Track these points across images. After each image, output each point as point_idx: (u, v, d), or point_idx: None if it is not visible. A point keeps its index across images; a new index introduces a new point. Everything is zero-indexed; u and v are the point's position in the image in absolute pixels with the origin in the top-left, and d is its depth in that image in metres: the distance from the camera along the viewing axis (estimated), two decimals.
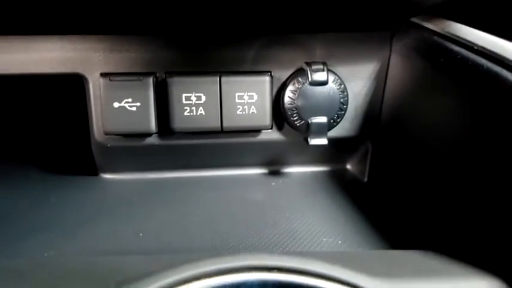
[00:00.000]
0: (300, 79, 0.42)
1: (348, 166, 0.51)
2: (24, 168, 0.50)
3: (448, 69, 0.34)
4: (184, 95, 0.41)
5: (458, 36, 0.33)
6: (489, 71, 0.29)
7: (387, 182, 0.45)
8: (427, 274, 0.27)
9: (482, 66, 0.30)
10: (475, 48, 0.31)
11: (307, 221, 0.40)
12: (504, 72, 0.28)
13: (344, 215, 0.41)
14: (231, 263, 0.25)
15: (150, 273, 0.24)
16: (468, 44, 0.32)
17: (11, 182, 0.46)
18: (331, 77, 0.42)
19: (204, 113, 0.42)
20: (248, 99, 0.42)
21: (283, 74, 0.43)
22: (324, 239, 0.37)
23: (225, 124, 0.42)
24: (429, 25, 0.38)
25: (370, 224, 0.39)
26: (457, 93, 0.32)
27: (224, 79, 0.41)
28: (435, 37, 0.36)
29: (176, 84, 0.41)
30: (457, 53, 0.32)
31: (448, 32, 0.35)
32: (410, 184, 0.40)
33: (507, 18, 0.38)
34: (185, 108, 0.41)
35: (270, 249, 0.35)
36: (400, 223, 0.39)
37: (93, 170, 0.47)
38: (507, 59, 0.28)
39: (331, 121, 0.43)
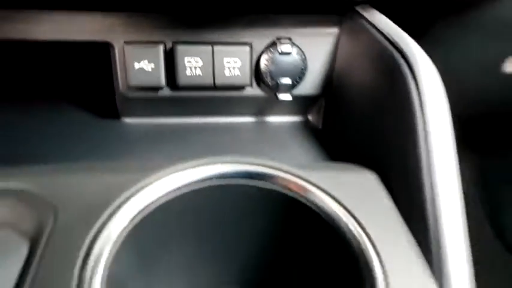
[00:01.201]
0: (272, 50, 0.49)
1: (309, 117, 0.58)
2: (57, 111, 0.54)
3: (369, 48, 0.45)
4: (186, 59, 0.48)
5: (378, 25, 0.44)
6: (392, 54, 0.39)
7: (335, 128, 0.53)
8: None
9: (387, 48, 0.41)
10: (386, 36, 0.42)
11: (278, 153, 0.50)
12: (397, 55, 0.38)
13: (304, 152, 0.51)
14: (215, 160, 0.37)
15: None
16: (383, 32, 0.42)
17: (43, 120, 0.52)
18: (295, 49, 0.49)
19: (201, 74, 0.49)
20: (234, 63, 0.49)
21: (260, 46, 0.50)
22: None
23: (217, 82, 0.49)
24: (364, 13, 0.46)
25: (321, 156, 0.50)
26: (374, 66, 0.42)
27: (216, 48, 0.48)
28: (364, 22, 0.45)
29: (180, 51, 0.47)
30: (374, 37, 0.43)
31: (373, 20, 0.45)
32: (348, 128, 0.49)
33: (423, 18, 0.48)
34: (187, 69, 0.48)
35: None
36: (341, 154, 0.49)
37: (116, 115, 0.54)
38: (402, 49, 0.39)
39: (295, 82, 0.51)
